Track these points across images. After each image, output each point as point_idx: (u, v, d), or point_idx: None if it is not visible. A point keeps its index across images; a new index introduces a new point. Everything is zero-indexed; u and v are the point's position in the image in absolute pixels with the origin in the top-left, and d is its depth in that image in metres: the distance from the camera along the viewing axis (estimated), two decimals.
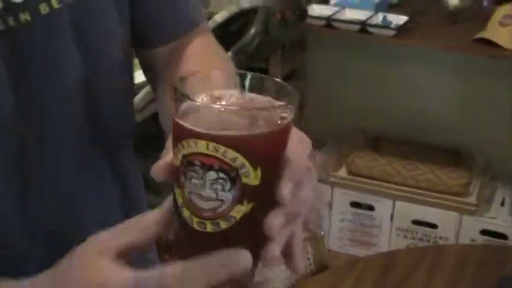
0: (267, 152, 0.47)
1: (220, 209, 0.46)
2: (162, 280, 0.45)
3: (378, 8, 2.25)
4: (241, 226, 0.47)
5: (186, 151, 0.46)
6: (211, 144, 0.45)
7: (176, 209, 0.49)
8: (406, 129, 2.50)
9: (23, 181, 0.65)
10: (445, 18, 2.19)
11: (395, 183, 2.33)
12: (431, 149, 2.45)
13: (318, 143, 2.46)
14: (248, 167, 0.45)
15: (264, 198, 0.47)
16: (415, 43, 2.22)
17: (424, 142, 2.48)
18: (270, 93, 0.50)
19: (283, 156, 0.49)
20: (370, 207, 2.37)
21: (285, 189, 0.48)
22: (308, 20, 2.21)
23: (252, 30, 1.97)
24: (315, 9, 2.26)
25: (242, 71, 0.51)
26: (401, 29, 2.14)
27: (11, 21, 0.60)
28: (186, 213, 0.48)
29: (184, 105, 0.47)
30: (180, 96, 0.47)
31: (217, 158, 0.45)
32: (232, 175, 0.45)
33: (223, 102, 0.49)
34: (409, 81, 2.50)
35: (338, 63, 2.56)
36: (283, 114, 0.48)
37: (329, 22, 2.19)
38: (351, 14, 2.24)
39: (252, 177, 0.46)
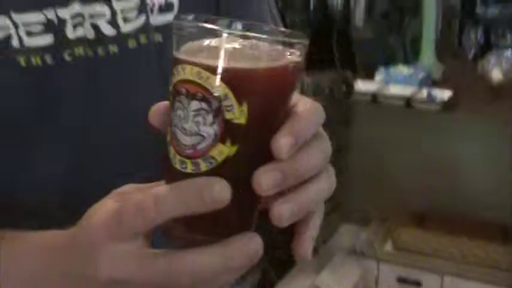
0: (256, 87, 0.43)
1: (200, 146, 0.43)
2: (139, 204, 0.44)
3: (421, 84, 2.30)
4: (224, 172, 0.43)
5: (175, 79, 0.44)
6: (195, 69, 0.42)
7: (166, 150, 0.46)
8: (452, 204, 2.50)
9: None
10: (489, 92, 2.23)
11: (442, 258, 2.31)
12: (478, 224, 2.43)
13: (364, 219, 2.47)
14: (232, 99, 0.42)
15: (253, 145, 0.43)
16: (460, 118, 2.25)
17: (471, 217, 2.46)
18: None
19: (284, 107, 0.45)
20: (417, 283, 2.34)
21: (282, 140, 0.43)
22: (354, 95, 2.27)
23: None
24: (361, 85, 2.32)
25: (247, 22, 0.46)
26: (446, 104, 2.18)
27: (100, 51, 0.66)
28: (171, 152, 0.45)
29: (184, 44, 0.45)
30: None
31: (200, 86, 0.42)
32: (214, 106, 0.42)
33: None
34: (454, 156, 2.51)
35: (383, 138, 2.60)
36: (287, 55, 0.44)
37: (375, 97, 2.25)
38: (395, 89, 2.30)
39: (236, 113, 0.42)
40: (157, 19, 0.68)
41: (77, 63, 0.65)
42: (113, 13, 0.66)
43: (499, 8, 2.68)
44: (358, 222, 2.45)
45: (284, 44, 0.44)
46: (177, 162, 0.44)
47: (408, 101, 2.21)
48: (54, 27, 0.64)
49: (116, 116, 0.68)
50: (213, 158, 0.43)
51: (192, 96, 0.43)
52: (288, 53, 0.44)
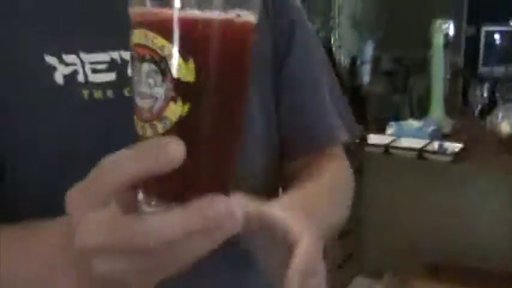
0: (199, 43, 0.42)
1: (155, 108, 0.43)
2: (99, 169, 0.44)
3: (432, 138, 2.37)
4: (180, 132, 0.42)
5: (130, 45, 0.44)
6: (142, 32, 0.42)
7: None
8: (465, 255, 2.53)
9: None
10: (498, 145, 2.29)
11: None
12: (490, 275, 2.45)
13: (377, 271, 2.49)
14: (177, 57, 0.41)
15: (205, 103, 0.43)
16: (471, 169, 2.30)
17: (483, 268, 2.49)
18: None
19: (238, 67, 0.44)
20: None
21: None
22: (367, 148, 2.33)
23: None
24: (373, 138, 2.38)
25: None
26: (457, 155, 2.24)
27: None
28: (135, 120, 0.45)
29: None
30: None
31: (147, 47, 0.42)
32: (162, 66, 0.42)
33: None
34: (466, 207, 2.56)
35: (395, 190, 2.64)
36: (233, 12, 0.43)
37: (387, 149, 2.31)
38: (406, 142, 2.36)
39: (183, 71, 0.42)
40: None
41: None
42: None
43: (501, 68, 2.79)
44: (371, 274, 2.47)
45: (233, 4, 0.43)
46: (139, 128, 0.44)
47: (420, 153, 2.27)
48: (117, 67, 0.70)
49: None
50: (167, 118, 0.42)
51: (142, 59, 0.43)
52: (237, 12, 0.43)
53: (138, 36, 0.43)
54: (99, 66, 0.69)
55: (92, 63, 0.69)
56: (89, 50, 0.69)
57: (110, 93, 0.69)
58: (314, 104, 0.88)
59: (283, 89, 0.84)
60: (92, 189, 0.44)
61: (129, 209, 0.44)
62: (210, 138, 0.43)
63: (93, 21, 0.70)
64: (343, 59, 3.12)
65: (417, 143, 2.33)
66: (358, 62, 3.14)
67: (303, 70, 0.87)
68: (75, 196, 0.45)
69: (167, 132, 0.42)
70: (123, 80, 0.70)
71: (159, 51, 0.42)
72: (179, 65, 0.41)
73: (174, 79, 0.42)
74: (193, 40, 0.41)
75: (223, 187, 0.45)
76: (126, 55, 0.70)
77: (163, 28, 0.41)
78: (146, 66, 0.42)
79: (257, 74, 0.78)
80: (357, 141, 2.28)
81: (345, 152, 0.94)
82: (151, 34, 0.42)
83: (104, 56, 0.70)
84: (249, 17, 0.44)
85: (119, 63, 0.70)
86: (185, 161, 0.41)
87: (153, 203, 0.44)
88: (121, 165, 0.42)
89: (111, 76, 0.69)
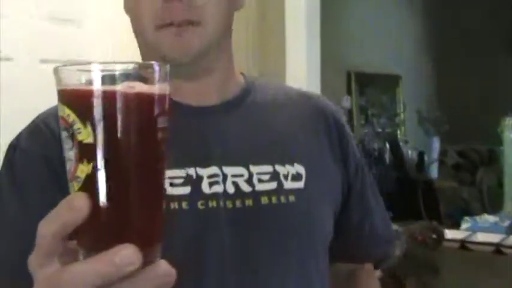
0: (92, 109, 0.47)
1: (71, 169, 0.48)
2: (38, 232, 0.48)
3: (508, 231, 2.38)
4: (89, 188, 0.47)
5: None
6: (60, 105, 0.49)
7: None
8: None
9: None
10: None
11: None
12: None
13: None
14: (78, 123, 0.47)
15: (107, 161, 0.47)
16: None
17: None
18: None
19: (138, 130, 0.48)
20: None
21: None
22: (443, 243, 2.35)
23: (397, 252, 2.13)
24: (448, 233, 2.40)
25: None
26: None
27: (238, 203, 0.82)
28: None
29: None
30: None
31: (62, 117, 0.48)
32: (70, 132, 0.48)
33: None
34: None
35: (472, 286, 2.62)
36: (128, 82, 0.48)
37: (464, 244, 2.32)
38: (483, 237, 2.37)
39: (84, 134, 0.47)
40: (291, 184, 0.85)
41: (209, 210, 0.81)
42: (250, 175, 0.83)
43: None
44: None
45: (134, 77, 0.48)
46: (68, 188, 0.49)
47: (497, 247, 2.28)
48: (192, 181, 0.81)
49: (248, 261, 0.83)
50: (79, 177, 0.48)
51: (60, 128, 0.49)
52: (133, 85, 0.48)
53: (58, 109, 0.49)
54: (177, 181, 0.80)
55: (170, 178, 0.79)
56: (169, 167, 0.79)
57: (184, 204, 0.79)
58: (381, 223, 1.00)
59: (357, 216, 0.96)
60: (37, 248, 0.48)
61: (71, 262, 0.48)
62: (116, 193, 0.48)
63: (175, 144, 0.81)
64: (410, 154, 3.18)
65: (494, 238, 2.34)
66: (426, 158, 3.19)
67: (375, 201, 0.99)
68: (30, 258, 0.49)
69: (80, 189, 0.48)
70: (198, 194, 0.80)
71: (67, 119, 0.48)
72: (80, 129, 0.47)
73: (79, 143, 0.47)
74: (86, 107, 0.47)
75: (141, 239, 0.48)
76: (202, 172, 0.81)
77: (67, 100, 0.48)
78: (63, 134, 0.48)
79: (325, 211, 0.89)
80: (434, 236, 2.31)
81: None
82: (62, 106, 0.48)
83: (181, 172, 0.81)
84: (145, 87, 0.48)
85: (193, 178, 0.81)
86: (98, 214, 0.47)
87: (86, 254, 0.48)
88: (45, 222, 0.47)
89: (186, 190, 0.80)
